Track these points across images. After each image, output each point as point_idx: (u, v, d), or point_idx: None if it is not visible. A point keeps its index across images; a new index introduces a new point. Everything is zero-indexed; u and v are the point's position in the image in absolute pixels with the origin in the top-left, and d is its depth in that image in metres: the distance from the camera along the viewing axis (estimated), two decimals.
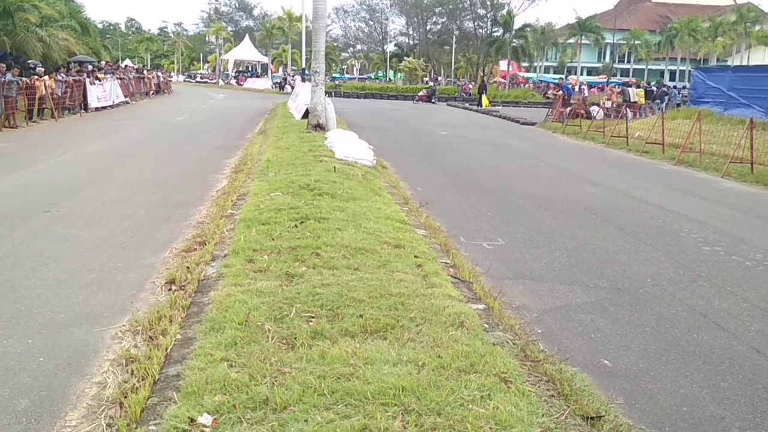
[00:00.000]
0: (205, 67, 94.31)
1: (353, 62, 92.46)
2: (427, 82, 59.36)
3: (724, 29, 62.84)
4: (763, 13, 63.53)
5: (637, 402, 4.17)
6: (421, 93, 50.08)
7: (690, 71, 47.27)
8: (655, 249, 8.03)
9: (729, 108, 23.19)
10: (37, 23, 26.73)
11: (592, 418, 3.57)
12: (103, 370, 4.20)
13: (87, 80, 25.65)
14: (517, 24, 62.77)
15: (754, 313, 5.87)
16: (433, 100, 48.43)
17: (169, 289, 5.64)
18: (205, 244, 6.82)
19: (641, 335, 5.28)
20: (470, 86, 55.60)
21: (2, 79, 18.92)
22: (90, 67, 29.46)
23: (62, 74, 24.29)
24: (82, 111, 24.91)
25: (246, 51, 71.16)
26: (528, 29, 63.63)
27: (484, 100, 40.72)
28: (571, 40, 70.16)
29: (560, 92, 34.15)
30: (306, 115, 18.90)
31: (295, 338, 4.11)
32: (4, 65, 19.82)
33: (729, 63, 59.96)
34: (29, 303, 5.33)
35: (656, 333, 5.33)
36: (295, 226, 6.92)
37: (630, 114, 26.26)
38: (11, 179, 10.90)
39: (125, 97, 31.16)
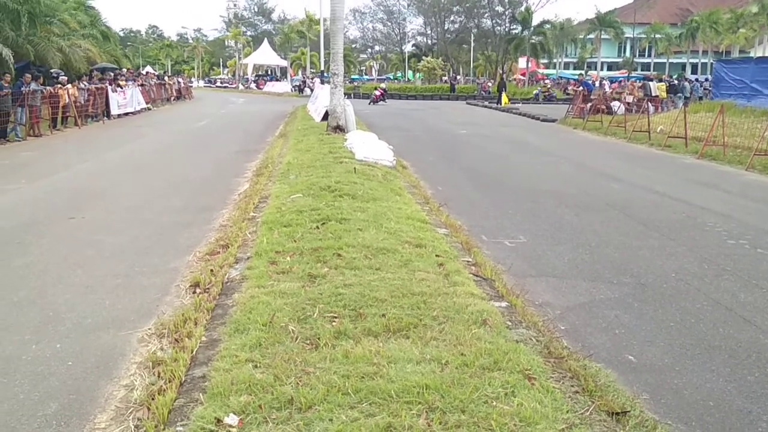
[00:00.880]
0: (225, 71, 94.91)
1: (372, 63, 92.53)
2: (445, 81, 59.20)
3: (746, 20, 62.04)
4: None
5: (663, 397, 4.14)
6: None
7: (712, 64, 46.75)
8: (678, 243, 7.96)
9: (752, 99, 22.87)
10: (61, 34, 27.04)
11: (617, 414, 3.56)
12: (130, 372, 4.25)
13: (109, 88, 25.95)
14: (536, 21, 62.65)
15: None
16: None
17: (194, 292, 5.69)
18: (228, 247, 6.87)
19: (666, 330, 5.25)
20: (489, 84, 55.40)
21: (27, 88, 19.18)
22: (112, 75, 29.78)
23: (85, 82, 24.59)
24: (105, 118, 25.18)
25: (265, 55, 71.49)
26: (547, 26, 63.32)
27: (504, 97, 40.57)
28: (591, 36, 69.65)
29: (581, 88, 33.94)
30: (325, 117, 18.97)
31: (318, 338, 4.14)
32: (29, 75, 20.08)
33: (751, 54, 59.17)
34: (57, 308, 5.41)
35: (681, 328, 5.29)
36: (317, 227, 6.96)
37: (651, 108, 26.02)
38: (37, 187, 11.07)
39: (147, 103, 31.44)
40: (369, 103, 42.15)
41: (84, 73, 27.89)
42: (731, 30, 62.85)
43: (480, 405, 3.36)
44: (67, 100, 21.77)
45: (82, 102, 23.46)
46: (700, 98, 32.37)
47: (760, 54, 57.06)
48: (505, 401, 3.41)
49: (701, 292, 6.17)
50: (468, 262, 6.40)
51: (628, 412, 3.61)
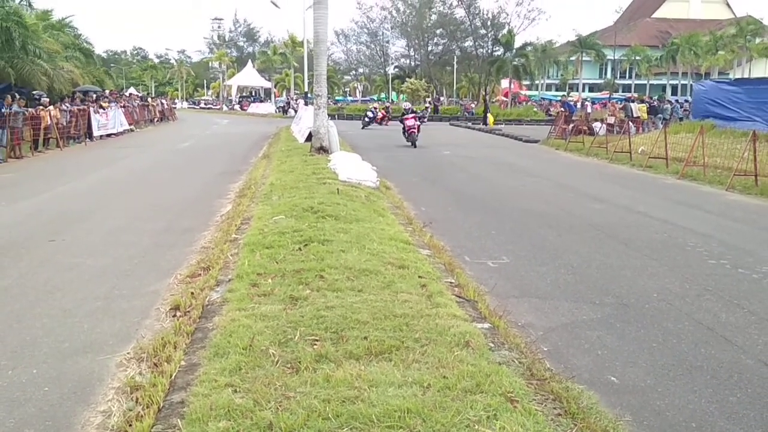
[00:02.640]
0: (209, 93, 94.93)
1: (355, 85, 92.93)
2: (429, 103, 59.41)
3: (725, 42, 63.05)
4: (763, 26, 63.80)
5: (645, 419, 4.13)
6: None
7: (692, 85, 47.35)
8: (660, 263, 8.00)
9: (731, 121, 23.15)
10: (43, 57, 26.96)
11: None
12: (108, 398, 4.19)
13: (91, 109, 25.85)
14: (518, 43, 63.27)
15: (762, 326, 5.83)
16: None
17: (174, 316, 5.64)
18: (210, 270, 6.82)
19: (648, 351, 5.25)
20: (472, 105, 55.72)
21: (8, 110, 19.06)
22: (94, 96, 29.69)
23: (67, 104, 24.48)
24: (87, 140, 25.07)
25: (249, 76, 71.69)
26: (529, 48, 64.00)
27: (489, 118, 40.82)
28: (572, 58, 70.44)
29: (562, 109, 34.22)
30: (309, 138, 18.98)
31: (299, 362, 4.10)
32: (10, 97, 19.97)
33: (730, 76, 60.08)
34: (34, 333, 5.33)
35: (663, 348, 5.30)
36: (299, 249, 6.92)
37: (633, 129, 26.28)
38: (17, 209, 10.95)
39: (130, 125, 31.36)
40: (363, 127, 35.78)
41: (66, 94, 27.79)
42: (710, 52, 63.81)
43: (462, 429, 3.33)
44: (49, 122, 21.66)
45: (64, 123, 23.37)
46: (681, 119, 32.73)
47: (739, 75, 58.02)
48: (488, 425, 3.38)
49: (683, 312, 6.19)
50: (451, 283, 6.38)
51: None
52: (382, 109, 41.72)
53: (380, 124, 38.03)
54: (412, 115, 26.26)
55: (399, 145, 25.59)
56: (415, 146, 24.56)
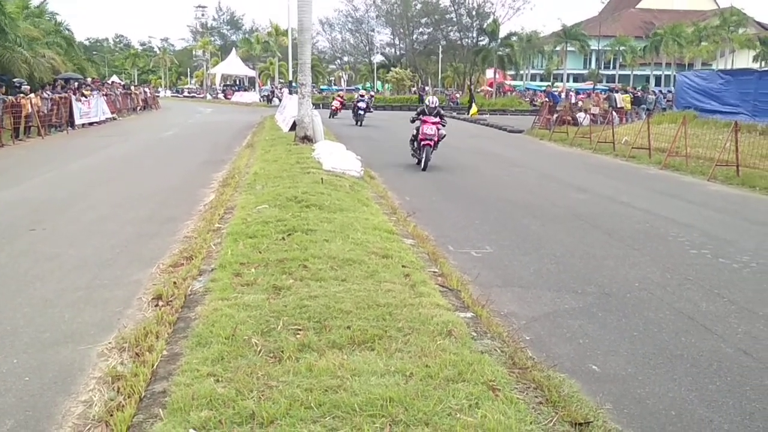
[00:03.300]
0: (193, 81, 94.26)
1: (340, 74, 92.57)
2: (414, 92, 59.32)
3: (708, 33, 63.41)
4: (746, 17, 64.20)
5: (626, 407, 4.17)
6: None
7: (675, 76, 47.60)
8: (642, 253, 8.06)
9: (714, 111, 23.33)
10: (22, 44, 26.64)
11: (580, 424, 3.57)
12: (89, 388, 4.16)
13: (73, 97, 25.59)
14: (503, 33, 63.30)
15: (742, 315, 5.89)
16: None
17: (156, 305, 5.61)
18: (192, 259, 6.79)
19: (629, 340, 5.29)
20: (457, 95, 55.69)
21: None
22: (76, 84, 29.38)
23: (48, 92, 24.21)
24: (69, 128, 24.81)
25: (233, 65, 71.22)
26: (514, 38, 64.06)
27: (473, 108, 40.83)
28: (557, 48, 70.58)
29: (547, 99, 34.31)
30: (293, 127, 18.91)
31: (282, 351, 4.10)
32: None
33: (713, 67, 60.44)
34: (15, 323, 5.29)
35: (644, 337, 5.34)
36: (283, 238, 6.91)
37: (617, 119, 26.40)
38: None
39: (112, 113, 31.07)
40: (330, 116, 33.33)
41: (47, 82, 27.48)
42: (694, 43, 64.16)
43: (444, 417, 3.34)
44: (30, 110, 21.42)
45: (46, 111, 23.10)
46: (664, 109, 32.91)
47: (722, 66, 58.38)
48: (469, 413, 3.40)
49: (664, 301, 6.24)
50: (434, 272, 6.40)
51: (592, 422, 3.63)
52: (340, 97, 39.13)
53: (334, 116, 34.42)
54: (434, 120, 15.35)
55: (383, 134, 25.54)
56: (426, 169, 15.27)
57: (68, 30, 39.62)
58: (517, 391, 3.78)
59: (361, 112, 31.11)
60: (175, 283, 6.02)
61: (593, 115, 30.02)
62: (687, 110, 23.68)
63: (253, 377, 3.75)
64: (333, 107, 35.77)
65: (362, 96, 34.01)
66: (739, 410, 4.17)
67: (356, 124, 30.74)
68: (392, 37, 78.91)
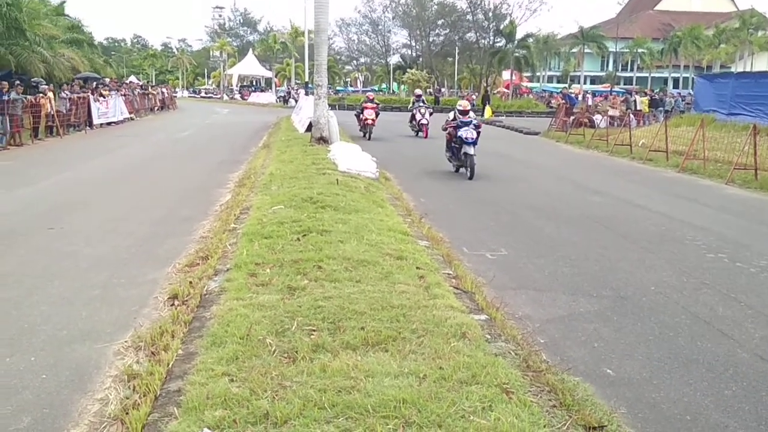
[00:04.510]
0: (210, 82, 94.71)
1: (357, 75, 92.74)
2: (430, 94, 59.15)
3: (727, 36, 62.87)
4: (766, 19, 63.58)
5: (641, 411, 4.14)
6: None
7: (693, 78, 47.25)
8: (658, 257, 8.01)
9: (732, 114, 23.12)
10: (41, 43, 26.88)
11: (594, 428, 3.55)
12: (105, 386, 4.20)
13: (91, 97, 25.80)
14: (520, 34, 63.06)
15: (759, 320, 5.84)
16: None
17: (172, 305, 5.65)
18: (208, 259, 6.83)
19: (644, 344, 5.26)
20: (474, 97, 55.58)
21: (6, 97, 19.02)
22: (94, 84, 29.62)
23: (66, 91, 24.42)
24: (87, 128, 25.02)
25: (250, 66, 71.53)
26: (530, 39, 63.82)
27: (488, 110, 40.73)
28: (574, 50, 70.26)
29: (563, 101, 34.18)
30: (309, 128, 18.95)
31: (296, 352, 4.11)
32: (6, 83, 19.87)
33: (732, 69, 59.92)
34: (32, 320, 5.35)
35: (659, 341, 5.31)
36: (298, 239, 6.93)
37: (634, 122, 26.25)
38: (15, 196, 10.96)
39: (130, 113, 31.29)
40: (362, 133, 23.96)
41: (65, 81, 27.72)
42: (712, 45, 63.66)
43: (457, 420, 3.34)
44: (50, 110, 21.62)
45: (64, 111, 23.30)
46: (682, 112, 32.71)
47: (741, 69, 57.87)
48: (483, 416, 3.39)
49: (680, 305, 6.20)
50: (448, 274, 6.40)
51: (606, 426, 3.62)
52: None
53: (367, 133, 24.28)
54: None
55: (399, 135, 25.52)
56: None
57: (85, 32, 39.88)
58: (531, 394, 3.77)
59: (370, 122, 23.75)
60: (190, 282, 6.06)
61: (611, 117, 29.86)
62: (706, 113, 23.50)
63: (267, 377, 3.76)
64: (364, 119, 24.15)
65: (371, 98, 25.16)
66: (755, 416, 4.13)
67: (364, 136, 23.52)
68: (409, 38, 78.87)
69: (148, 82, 68.06)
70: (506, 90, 65.17)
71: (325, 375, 3.79)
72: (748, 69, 56.84)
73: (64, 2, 36.35)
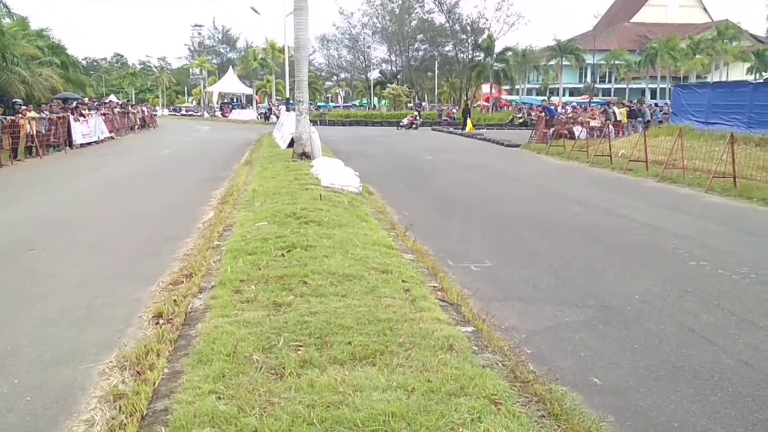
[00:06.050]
0: (190, 100, 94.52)
1: (337, 90, 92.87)
2: (411, 108, 59.45)
3: (703, 47, 63.80)
4: (740, 30, 64.64)
5: (628, 419, 4.16)
6: (405, 120, 46.94)
7: (670, 89, 47.81)
8: (641, 266, 8.07)
9: (710, 123, 23.45)
10: (18, 65, 26.72)
11: None
12: (90, 407, 4.16)
13: (71, 117, 25.64)
14: (498, 48, 63.63)
15: (742, 326, 5.90)
16: (414, 126, 45.38)
17: (157, 323, 5.61)
18: (192, 277, 6.80)
19: (630, 352, 5.29)
20: (453, 111, 55.81)
21: None
22: (74, 104, 29.45)
23: (46, 111, 24.25)
24: (67, 148, 24.84)
25: (230, 83, 71.48)
26: (509, 53, 64.41)
27: (469, 123, 40.96)
28: (552, 62, 70.94)
29: (543, 114, 34.44)
30: (291, 144, 18.95)
31: (283, 368, 4.10)
32: None
33: (708, 79, 60.77)
34: (16, 342, 5.29)
35: (645, 349, 5.35)
36: (282, 255, 6.91)
37: (613, 133, 26.49)
38: None
39: (110, 132, 31.12)
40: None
41: (44, 102, 27.55)
42: (688, 56, 64.53)
43: None
44: (29, 130, 21.46)
45: (44, 131, 23.13)
46: (660, 122, 33.07)
47: (716, 78, 58.71)
48: (472, 427, 3.40)
49: (664, 313, 6.25)
50: (434, 287, 6.40)
51: None
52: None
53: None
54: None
55: (381, 150, 25.59)
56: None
57: (65, 52, 39.62)
58: (519, 404, 3.78)
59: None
60: (175, 300, 6.02)
61: (591, 128, 30.11)
62: (683, 123, 23.80)
63: (255, 394, 3.75)
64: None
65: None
66: (742, 421, 4.17)
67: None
68: (388, 53, 79.22)
69: (127, 101, 67.80)
70: (486, 103, 65.58)
71: (313, 390, 3.78)
72: (723, 79, 57.70)
73: (46, 28, 36.28)
